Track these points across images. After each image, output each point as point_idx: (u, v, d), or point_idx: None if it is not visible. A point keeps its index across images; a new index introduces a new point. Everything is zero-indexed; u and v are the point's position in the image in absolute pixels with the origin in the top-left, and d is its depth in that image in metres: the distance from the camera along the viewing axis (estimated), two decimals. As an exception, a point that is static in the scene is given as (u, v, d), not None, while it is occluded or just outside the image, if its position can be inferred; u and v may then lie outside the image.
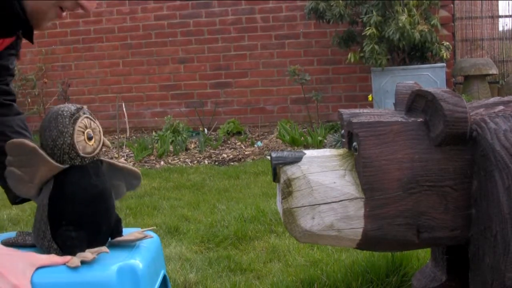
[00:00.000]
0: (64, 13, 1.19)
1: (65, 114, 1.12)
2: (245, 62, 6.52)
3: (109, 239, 1.21)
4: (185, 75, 6.66)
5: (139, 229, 1.30)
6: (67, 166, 1.13)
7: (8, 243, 1.26)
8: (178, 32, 6.62)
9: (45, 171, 1.13)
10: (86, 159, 1.14)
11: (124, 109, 6.28)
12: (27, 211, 3.45)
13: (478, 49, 7.40)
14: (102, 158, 1.20)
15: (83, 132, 1.13)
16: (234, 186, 3.95)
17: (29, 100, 6.38)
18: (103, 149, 1.20)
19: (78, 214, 1.13)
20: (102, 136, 1.18)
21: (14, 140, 1.14)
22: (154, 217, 3.22)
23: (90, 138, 1.14)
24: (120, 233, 1.23)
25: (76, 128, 1.12)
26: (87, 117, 1.15)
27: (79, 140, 1.12)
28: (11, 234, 1.31)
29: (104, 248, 1.12)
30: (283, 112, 6.44)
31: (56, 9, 1.17)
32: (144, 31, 6.68)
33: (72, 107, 1.14)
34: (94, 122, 1.16)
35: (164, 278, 1.30)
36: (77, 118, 1.13)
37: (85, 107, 1.17)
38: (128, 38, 6.72)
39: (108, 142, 1.20)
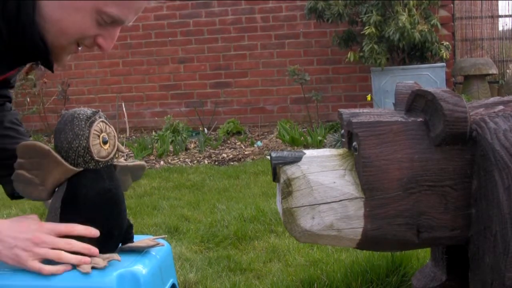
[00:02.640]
0: (80, 49, 1.19)
1: (81, 117, 1.12)
2: (245, 62, 6.53)
3: (120, 245, 1.20)
4: (185, 75, 6.66)
5: (151, 237, 1.29)
6: (81, 169, 1.12)
7: None
8: (178, 32, 6.62)
9: (58, 174, 1.12)
10: (100, 163, 1.14)
11: (124, 109, 6.28)
12: (27, 210, 3.45)
13: (478, 49, 7.41)
14: (115, 162, 1.20)
15: (99, 136, 1.13)
16: (234, 186, 3.95)
17: (28, 99, 6.37)
18: (117, 154, 1.19)
19: (90, 218, 1.12)
20: (116, 141, 1.17)
21: (27, 142, 1.13)
22: (154, 217, 3.22)
23: (105, 142, 1.14)
24: (131, 239, 1.21)
25: (92, 131, 1.11)
26: (102, 121, 1.14)
27: (94, 144, 1.12)
28: None
29: (116, 256, 1.11)
30: (283, 112, 6.45)
31: (74, 44, 1.17)
32: (144, 31, 6.68)
33: (88, 110, 1.14)
34: (109, 126, 1.16)
35: (173, 287, 1.28)
36: (93, 122, 1.12)
37: (100, 111, 1.17)
38: (128, 38, 6.72)
39: (122, 147, 1.19)
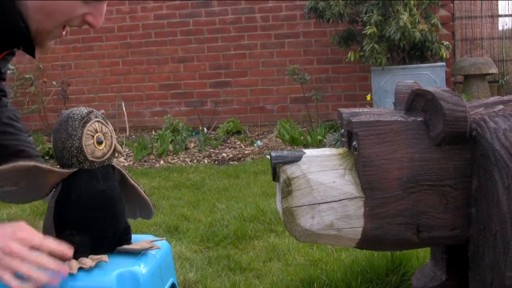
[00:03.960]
0: (65, 32, 1.19)
1: (76, 117, 1.11)
2: (244, 62, 6.53)
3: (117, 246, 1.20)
4: (185, 74, 6.66)
5: (151, 236, 1.29)
6: (74, 169, 1.12)
7: None
8: (178, 31, 6.62)
9: (53, 179, 1.12)
10: (95, 163, 1.13)
11: (124, 109, 6.28)
12: (26, 210, 3.45)
13: (477, 48, 7.40)
14: (114, 165, 1.19)
15: (93, 136, 1.12)
16: (233, 185, 3.95)
17: (27, 99, 6.37)
18: (115, 154, 1.18)
19: (83, 218, 1.12)
20: (114, 141, 1.16)
21: (4, 168, 1.09)
22: (153, 216, 3.22)
23: (100, 143, 1.13)
24: (127, 241, 1.20)
25: (85, 131, 1.11)
26: (98, 121, 1.13)
27: (88, 144, 1.11)
28: None
29: (104, 257, 1.11)
30: (283, 111, 6.45)
31: (60, 28, 1.16)
32: (144, 31, 6.68)
33: (84, 110, 1.13)
34: (106, 126, 1.15)
35: (173, 286, 1.28)
36: (87, 122, 1.11)
37: (99, 111, 1.16)
38: (127, 37, 6.72)
39: (120, 148, 1.18)
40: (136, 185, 1.24)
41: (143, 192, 1.25)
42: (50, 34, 1.16)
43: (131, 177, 1.23)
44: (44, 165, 1.11)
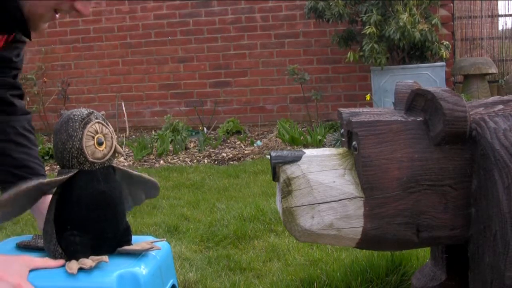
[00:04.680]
0: (57, 16, 1.21)
1: (76, 118, 1.11)
2: (244, 61, 6.53)
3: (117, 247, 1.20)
4: (185, 74, 6.66)
5: (151, 237, 1.29)
6: (74, 172, 1.12)
7: (22, 245, 1.27)
8: (178, 31, 6.62)
9: (52, 186, 1.13)
10: (95, 164, 1.13)
11: (124, 108, 6.28)
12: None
13: (477, 48, 7.40)
14: (115, 165, 1.19)
15: (93, 137, 1.12)
16: (233, 185, 3.95)
17: (28, 99, 6.37)
18: (115, 155, 1.18)
19: (83, 219, 1.12)
20: (114, 142, 1.16)
21: (12, 193, 1.10)
22: (153, 216, 3.22)
23: (100, 144, 1.13)
24: (128, 242, 1.20)
25: (86, 132, 1.11)
26: (98, 122, 1.13)
27: (88, 145, 1.11)
28: (27, 237, 1.31)
29: (104, 258, 1.11)
30: (283, 111, 6.45)
31: (52, 12, 1.19)
32: (144, 31, 6.68)
33: (84, 111, 1.13)
34: (106, 127, 1.15)
35: (173, 287, 1.28)
36: (87, 123, 1.12)
37: (99, 111, 1.17)
38: (127, 37, 6.72)
39: (120, 149, 1.18)
40: (139, 173, 1.24)
41: (147, 176, 1.26)
42: (42, 17, 1.19)
43: (132, 170, 1.24)
44: (46, 181, 1.11)
